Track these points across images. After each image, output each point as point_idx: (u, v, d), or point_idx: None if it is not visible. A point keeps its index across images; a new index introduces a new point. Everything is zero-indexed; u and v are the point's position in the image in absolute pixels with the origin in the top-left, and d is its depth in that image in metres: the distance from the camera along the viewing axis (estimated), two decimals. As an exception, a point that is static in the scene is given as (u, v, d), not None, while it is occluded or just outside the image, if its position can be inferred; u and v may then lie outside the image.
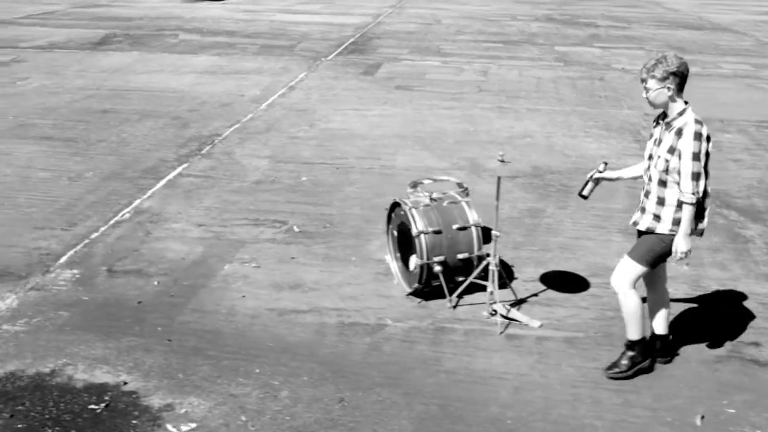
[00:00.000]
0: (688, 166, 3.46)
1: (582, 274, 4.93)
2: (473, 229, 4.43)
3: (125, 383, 3.65)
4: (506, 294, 4.45)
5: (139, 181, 6.50)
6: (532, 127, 8.73)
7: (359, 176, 6.70)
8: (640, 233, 3.72)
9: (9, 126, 8.19)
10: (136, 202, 5.96)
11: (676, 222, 3.57)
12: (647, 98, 3.59)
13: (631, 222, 3.80)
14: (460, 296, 4.46)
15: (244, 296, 4.53)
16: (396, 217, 4.71)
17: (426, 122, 8.72)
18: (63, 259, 4.93)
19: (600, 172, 3.91)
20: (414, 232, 4.36)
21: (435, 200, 4.53)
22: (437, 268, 4.32)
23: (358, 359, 3.93)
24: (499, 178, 4.27)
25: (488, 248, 4.39)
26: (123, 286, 4.58)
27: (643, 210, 3.70)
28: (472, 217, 4.54)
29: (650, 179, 3.65)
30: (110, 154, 7.19)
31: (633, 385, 3.71)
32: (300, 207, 5.97)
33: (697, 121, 3.51)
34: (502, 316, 4.24)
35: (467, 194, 4.74)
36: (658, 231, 3.62)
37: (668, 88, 3.49)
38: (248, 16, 18.40)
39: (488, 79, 11.20)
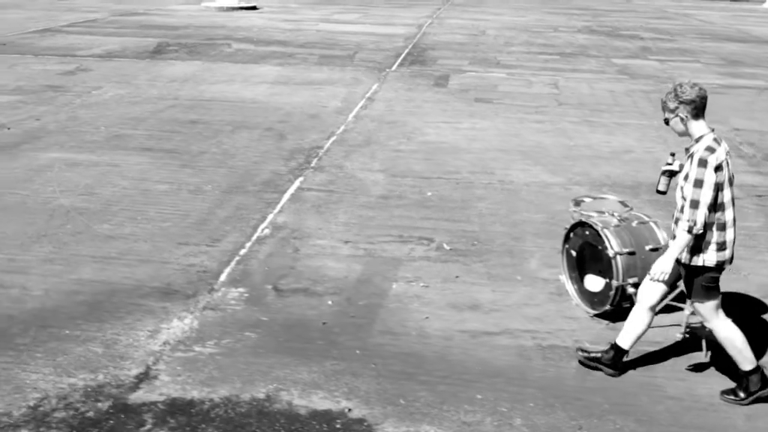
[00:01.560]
0: (689, 192, 3.46)
1: (755, 295, 4.78)
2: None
3: (349, 410, 3.55)
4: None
5: (262, 195, 6.38)
6: (628, 141, 8.63)
7: (483, 191, 6.60)
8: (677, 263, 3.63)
9: (105, 137, 8.07)
10: (270, 217, 5.84)
11: (697, 253, 3.48)
12: (667, 124, 3.65)
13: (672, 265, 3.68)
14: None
15: (427, 317, 4.40)
16: (576, 237, 4.58)
17: (521, 136, 8.63)
18: (223, 277, 4.81)
19: (670, 164, 3.88)
20: (611, 253, 4.21)
21: (623, 220, 4.40)
22: (631, 290, 4.18)
23: (575, 384, 3.81)
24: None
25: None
26: (297, 306, 4.45)
27: (673, 237, 3.66)
28: (662, 237, 4.47)
29: (678, 206, 3.61)
30: (219, 167, 7.10)
31: None
32: (439, 224, 5.87)
33: (707, 149, 3.49)
34: (702, 338, 3.98)
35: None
36: (682, 261, 3.54)
37: (681, 117, 3.53)
38: (292, 26, 18.33)
39: (561, 92, 11.12)
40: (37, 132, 8.22)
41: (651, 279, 3.65)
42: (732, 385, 3.73)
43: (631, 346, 3.82)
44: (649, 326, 3.82)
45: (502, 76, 12.35)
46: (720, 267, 3.60)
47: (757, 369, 3.70)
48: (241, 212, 5.97)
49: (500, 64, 13.53)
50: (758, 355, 3.84)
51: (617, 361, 3.85)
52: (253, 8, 22.45)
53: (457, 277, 4.97)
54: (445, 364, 3.94)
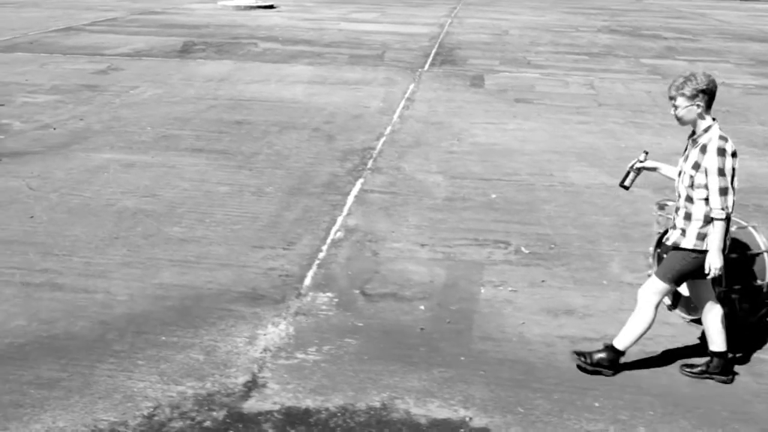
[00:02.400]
0: (714, 182, 3.49)
1: None
2: (766, 255, 4.18)
3: (470, 419, 3.48)
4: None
5: (326, 197, 6.30)
6: (676, 143, 8.51)
7: (547, 194, 6.52)
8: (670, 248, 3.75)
9: (153, 137, 7.98)
10: (339, 220, 5.75)
11: (701, 237, 3.58)
12: (676, 115, 3.63)
13: (664, 240, 3.85)
14: (738, 324, 4.16)
15: (523, 323, 4.33)
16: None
17: (570, 137, 8.54)
18: (307, 282, 4.72)
19: (641, 161, 3.88)
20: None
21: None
22: (734, 296, 4.02)
23: (689, 392, 3.72)
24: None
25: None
26: (390, 312, 4.37)
27: (674, 226, 3.73)
28: (762, 242, 4.42)
29: (679, 195, 3.70)
30: (275, 168, 7.01)
31: None
32: (511, 226, 5.78)
33: (721, 137, 3.55)
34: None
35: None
36: (682, 246, 3.63)
37: (698, 106, 3.54)
38: (313, 25, 18.23)
39: (598, 92, 11.03)
40: (83, 132, 8.15)
41: (708, 277, 3.59)
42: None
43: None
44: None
45: (536, 76, 12.31)
46: (724, 249, 3.61)
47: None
48: (310, 215, 5.92)
49: (531, 64, 13.47)
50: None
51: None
52: (270, 7, 22.38)
53: (543, 281, 4.91)
54: (554, 371, 3.86)
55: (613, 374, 3.81)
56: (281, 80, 11.18)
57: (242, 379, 3.72)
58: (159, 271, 4.86)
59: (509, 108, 9.86)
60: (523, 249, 5.36)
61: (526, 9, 25.18)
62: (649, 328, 3.76)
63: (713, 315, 3.82)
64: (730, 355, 3.88)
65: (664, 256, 4.20)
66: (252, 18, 19.53)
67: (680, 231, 3.65)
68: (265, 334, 4.13)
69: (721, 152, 3.49)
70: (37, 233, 5.37)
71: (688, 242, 3.61)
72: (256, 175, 6.82)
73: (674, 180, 3.82)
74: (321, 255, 5.17)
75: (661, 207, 4.91)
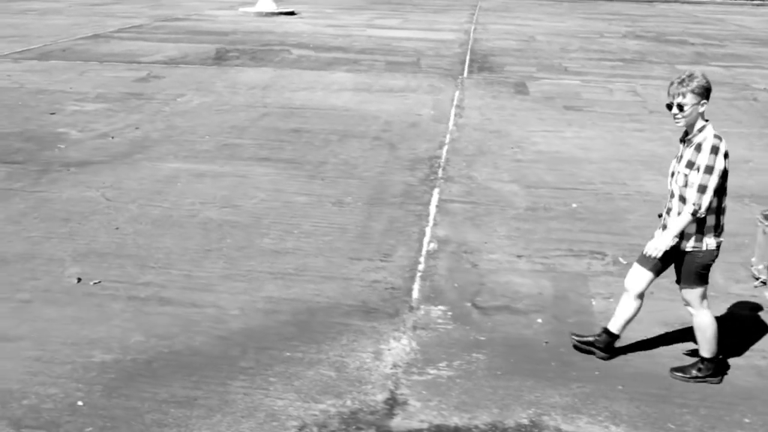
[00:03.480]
0: (698, 178, 3.50)
1: None
2: None
3: (624, 437, 3.48)
4: None
5: (407, 207, 6.20)
6: (739, 150, 8.37)
7: (627, 203, 6.44)
8: (667, 253, 3.63)
9: (214, 146, 7.87)
10: (428, 231, 5.67)
11: (699, 239, 3.57)
12: (680, 115, 3.54)
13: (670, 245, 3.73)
14: None
15: (646, 337, 4.32)
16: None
17: (629, 145, 8.45)
18: (415, 295, 4.66)
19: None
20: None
21: None
22: None
23: (836, 408, 3.77)
24: None
25: None
26: (510, 325, 4.29)
27: (664, 227, 3.71)
28: None
29: (672, 195, 3.69)
30: (347, 178, 6.93)
31: None
32: (601, 237, 5.69)
33: (716, 136, 3.56)
34: None
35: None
36: (682, 247, 3.62)
37: (702, 104, 3.54)
38: (340, 32, 18.15)
39: (645, 99, 10.97)
40: (142, 141, 8.06)
41: (644, 254, 3.66)
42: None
43: (621, 331, 3.89)
44: (638, 311, 3.84)
45: (577, 83, 12.25)
46: (718, 249, 3.65)
47: (713, 359, 3.82)
48: (397, 225, 5.84)
49: (568, 70, 13.40)
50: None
51: (610, 346, 3.94)
52: (292, 13, 22.31)
53: (651, 293, 4.82)
54: (693, 386, 3.77)
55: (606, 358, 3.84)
56: (326, 88, 11.14)
57: (381, 396, 3.65)
58: (262, 284, 4.81)
59: (561, 116, 9.82)
60: (620, 260, 5.28)
61: (544, 15, 25.15)
62: (715, 326, 3.69)
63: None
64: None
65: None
66: (276, 25, 19.47)
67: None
68: (389, 349, 4.06)
69: (714, 150, 3.49)
70: (128, 245, 5.32)
71: (688, 245, 3.61)
72: (330, 184, 6.76)
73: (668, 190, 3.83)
74: (420, 267, 5.11)
75: (766, 217, 4.93)
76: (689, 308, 3.80)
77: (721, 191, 3.58)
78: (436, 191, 6.63)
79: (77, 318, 4.30)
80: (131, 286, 4.69)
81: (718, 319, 4.27)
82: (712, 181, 3.46)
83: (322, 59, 13.85)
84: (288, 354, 3.97)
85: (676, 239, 3.61)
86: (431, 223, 5.88)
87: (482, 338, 4.21)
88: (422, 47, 15.82)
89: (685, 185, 3.54)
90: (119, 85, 10.96)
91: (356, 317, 4.41)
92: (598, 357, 3.94)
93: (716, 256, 3.68)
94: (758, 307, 4.67)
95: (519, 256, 5.31)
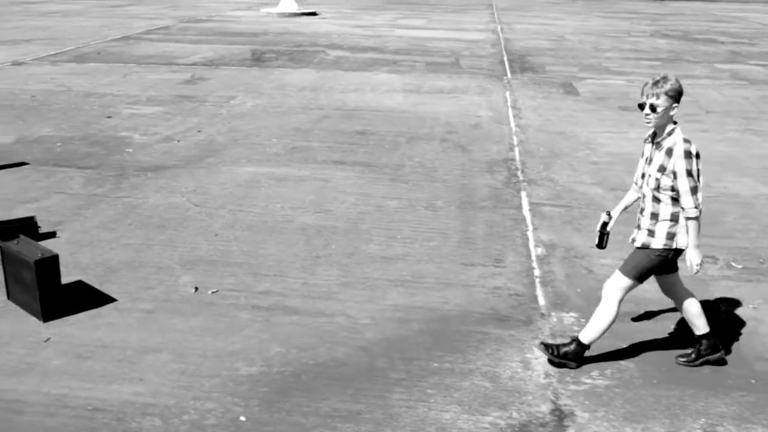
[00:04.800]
0: (684, 183, 3.52)
1: None
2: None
3: (807, 448, 3.41)
4: None
5: (500, 210, 6.10)
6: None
7: (719, 206, 6.33)
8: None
9: (285, 149, 7.75)
10: (530, 235, 5.57)
11: (670, 237, 3.63)
12: (651, 116, 3.55)
13: (630, 240, 3.80)
14: None
15: (790, 343, 4.32)
16: None
17: (699, 146, 8.51)
18: (542, 301, 4.55)
19: (607, 223, 3.85)
20: None
21: None
22: None
23: None
24: None
25: None
26: (646, 331, 4.18)
27: (638, 227, 3.76)
28: None
29: (644, 196, 3.73)
30: (429, 181, 6.81)
31: None
32: (705, 240, 5.41)
33: (685, 140, 3.59)
34: None
35: None
36: (653, 246, 3.67)
37: (674, 107, 3.55)
38: (368, 32, 18.08)
39: (697, 99, 10.85)
40: (209, 145, 7.94)
41: (692, 273, 3.61)
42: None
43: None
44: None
45: (622, 83, 12.16)
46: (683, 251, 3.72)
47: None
48: (497, 230, 5.74)
49: (610, 70, 13.32)
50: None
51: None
52: (313, 14, 22.21)
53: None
54: None
55: (577, 367, 3.80)
56: (375, 89, 11.05)
57: (545, 407, 3.56)
58: (384, 291, 4.71)
59: (620, 116, 9.73)
60: (733, 264, 5.23)
61: (563, 14, 25.06)
62: (613, 322, 3.77)
63: (689, 302, 3.87)
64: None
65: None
66: (302, 25, 19.34)
67: (647, 231, 3.67)
68: (536, 358, 3.97)
69: (688, 155, 3.52)
70: (233, 252, 5.21)
71: (658, 242, 3.65)
72: (415, 188, 6.64)
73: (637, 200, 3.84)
74: (536, 272, 5.02)
75: None
76: (605, 291, 3.73)
77: None
78: (523, 194, 6.54)
79: (207, 329, 4.21)
80: (251, 295, 4.61)
81: None
82: (698, 181, 3.51)
83: (361, 60, 13.77)
84: (436, 365, 3.89)
85: (637, 234, 3.66)
86: (530, 227, 5.79)
87: (624, 345, 4.15)
88: (456, 47, 15.74)
89: (657, 188, 3.59)
90: (167, 88, 10.88)
91: (490, 325, 4.33)
92: (570, 368, 3.79)
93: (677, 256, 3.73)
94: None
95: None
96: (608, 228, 3.88)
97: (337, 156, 7.63)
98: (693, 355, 3.92)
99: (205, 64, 12.97)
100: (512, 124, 9.12)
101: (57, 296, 4.32)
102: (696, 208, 3.52)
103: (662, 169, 3.55)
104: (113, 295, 4.56)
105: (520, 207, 6.24)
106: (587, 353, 3.88)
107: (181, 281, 4.76)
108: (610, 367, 3.91)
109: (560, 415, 3.52)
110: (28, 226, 5.44)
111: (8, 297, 4.54)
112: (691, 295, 3.94)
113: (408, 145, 8.10)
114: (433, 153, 7.81)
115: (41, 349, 3.95)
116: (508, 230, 5.76)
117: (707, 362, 3.90)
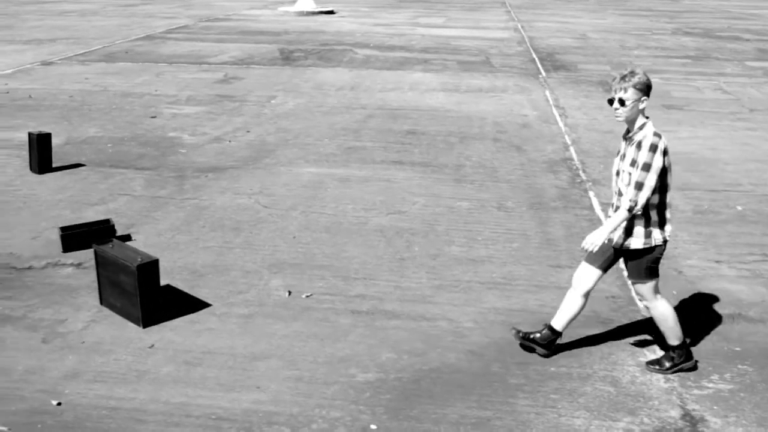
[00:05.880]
0: (636, 175, 3.50)
1: None
2: None
3: None
4: None
5: (572, 211, 5.99)
6: None
7: (789, 204, 6.54)
8: (615, 251, 3.68)
9: (339, 149, 7.66)
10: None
11: (647, 234, 3.60)
12: (620, 110, 3.52)
13: (606, 239, 3.66)
14: None
15: None
16: None
17: (752, 144, 8.19)
18: (640, 304, 4.52)
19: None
20: None
21: None
22: None
23: None
24: None
25: None
26: (754, 334, 4.14)
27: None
28: None
29: (619, 193, 3.68)
30: (494, 181, 6.71)
31: None
32: (759, 239, 5.79)
33: (655, 134, 3.55)
34: None
35: None
36: (633, 247, 3.63)
37: (643, 101, 3.52)
38: (390, 30, 18.00)
39: (738, 97, 10.80)
40: (261, 145, 7.84)
41: (582, 247, 3.60)
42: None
43: (564, 328, 3.84)
44: (582, 309, 3.81)
45: (658, 80, 12.03)
46: (665, 243, 3.64)
47: (683, 344, 3.84)
48: (575, 231, 5.63)
49: (643, 68, 13.41)
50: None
51: (551, 343, 3.86)
52: (331, 12, 22.11)
53: None
54: None
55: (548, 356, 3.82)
56: (413, 88, 10.95)
57: (674, 412, 3.49)
58: (479, 294, 4.64)
59: (666, 115, 9.66)
60: (813, 261, 5.31)
61: (579, 12, 24.97)
62: (675, 315, 3.69)
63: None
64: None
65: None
66: (322, 24, 19.24)
67: (623, 230, 3.61)
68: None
69: (653, 148, 3.48)
70: (315, 255, 5.14)
71: (638, 242, 3.61)
72: (481, 188, 6.56)
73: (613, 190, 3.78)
74: (626, 274, 5.05)
75: None
76: (644, 302, 3.79)
77: (663, 188, 3.58)
78: (591, 194, 6.50)
79: (311, 334, 4.12)
80: (346, 298, 4.54)
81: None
82: (650, 179, 3.46)
83: (391, 59, 13.66)
84: (553, 369, 3.83)
85: (612, 234, 3.61)
86: (608, 228, 5.89)
87: (737, 348, 4.09)
88: (482, 46, 15.64)
89: (629, 182, 3.56)
90: (203, 87, 10.77)
91: (595, 328, 4.26)
92: (538, 353, 3.86)
93: (664, 249, 3.68)
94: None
95: (717, 262, 5.17)
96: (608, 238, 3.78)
97: (393, 156, 7.55)
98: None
99: (235, 64, 12.88)
100: (560, 124, 9.02)
101: (156, 301, 4.29)
102: (630, 201, 3.45)
103: (633, 163, 3.54)
104: (206, 300, 4.48)
105: (591, 207, 6.18)
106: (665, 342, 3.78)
107: (272, 285, 4.69)
108: (728, 370, 3.85)
109: (692, 420, 3.45)
110: (106, 230, 5.33)
111: (101, 302, 4.53)
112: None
113: (462, 145, 8.05)
114: (489, 153, 7.74)
115: (148, 356, 3.88)
116: (585, 231, 5.68)
117: (681, 370, 3.77)
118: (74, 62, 12.82)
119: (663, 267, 5.00)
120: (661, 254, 3.66)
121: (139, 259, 4.21)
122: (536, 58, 14.09)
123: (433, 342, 4.09)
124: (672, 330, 3.77)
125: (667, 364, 3.80)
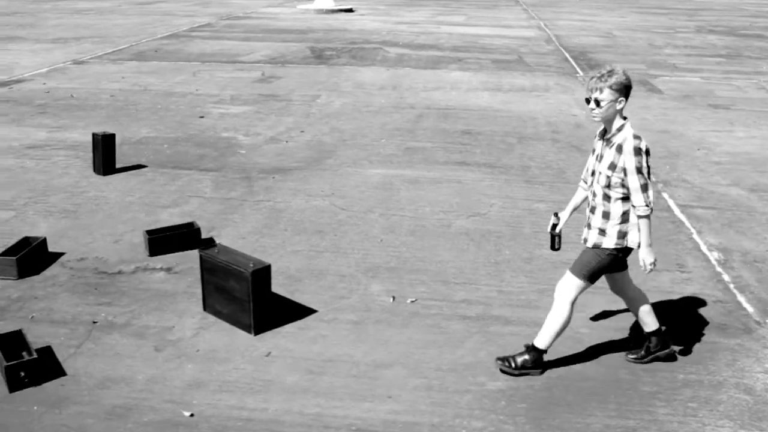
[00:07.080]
0: (635, 181, 3.44)
1: None
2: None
3: None
4: None
5: (656, 213, 6.09)
6: None
7: None
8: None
9: (399, 150, 7.56)
10: (697, 239, 5.43)
11: (621, 235, 3.56)
12: (596, 111, 3.46)
13: (581, 239, 3.69)
14: None
15: None
16: None
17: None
18: (749, 308, 4.41)
19: (556, 225, 3.81)
20: None
21: None
22: None
23: None
24: None
25: None
26: None
27: (589, 226, 3.69)
28: None
29: (594, 195, 3.64)
30: (564, 182, 6.59)
31: None
32: None
33: (635, 137, 3.49)
34: None
35: None
36: (604, 246, 3.59)
37: (620, 102, 3.44)
38: (414, 29, 17.91)
39: (780, 96, 11.12)
40: (319, 145, 7.76)
41: (646, 272, 3.54)
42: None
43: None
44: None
45: (698, 80, 12.03)
46: (629, 251, 3.59)
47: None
48: (660, 233, 5.54)
49: (679, 67, 13.18)
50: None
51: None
52: (350, 10, 22.02)
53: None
54: None
55: (541, 373, 3.73)
56: (455, 87, 10.90)
57: (817, 422, 3.55)
58: (584, 298, 4.53)
59: (715, 114, 9.61)
60: None
61: (596, 10, 24.87)
62: (567, 324, 3.68)
63: (639, 301, 3.84)
64: (663, 328, 3.92)
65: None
66: (344, 22, 19.17)
67: (598, 230, 3.60)
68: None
69: (638, 151, 3.42)
70: (407, 259, 5.07)
71: (610, 241, 3.57)
72: (553, 190, 6.50)
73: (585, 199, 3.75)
74: (725, 278, 4.87)
75: None
76: (558, 295, 3.63)
77: None
78: (665, 196, 6.47)
79: (428, 341, 4.05)
80: (451, 304, 4.47)
81: None
82: (647, 179, 3.43)
83: (424, 58, 13.58)
84: (682, 376, 3.77)
85: (587, 234, 3.58)
86: (693, 231, 5.66)
87: None
88: (512, 44, 15.58)
89: (608, 186, 3.50)
90: (243, 86, 10.69)
91: (712, 334, 4.20)
92: (533, 375, 3.67)
93: (625, 262, 3.66)
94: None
95: (816, 266, 5.27)
96: (558, 230, 3.80)
97: (455, 157, 7.48)
98: (643, 353, 3.88)
99: (269, 62, 12.77)
100: (613, 123, 9.17)
101: (267, 308, 4.20)
102: (647, 206, 3.46)
103: (612, 166, 3.47)
104: (309, 305, 4.40)
105: (669, 209, 6.14)
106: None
107: (372, 290, 4.62)
108: None
109: (836, 430, 3.49)
110: (191, 233, 5.22)
111: (204, 308, 4.48)
112: (642, 294, 3.89)
113: (521, 145, 7.97)
114: (551, 154, 7.67)
115: (268, 365, 3.79)
116: (670, 234, 5.64)
117: (657, 359, 3.85)
118: (106, 61, 12.69)
119: (761, 270, 4.94)
120: (616, 262, 3.54)
121: (251, 265, 4.18)
122: (569, 57, 14.03)
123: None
124: (551, 335, 3.64)
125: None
